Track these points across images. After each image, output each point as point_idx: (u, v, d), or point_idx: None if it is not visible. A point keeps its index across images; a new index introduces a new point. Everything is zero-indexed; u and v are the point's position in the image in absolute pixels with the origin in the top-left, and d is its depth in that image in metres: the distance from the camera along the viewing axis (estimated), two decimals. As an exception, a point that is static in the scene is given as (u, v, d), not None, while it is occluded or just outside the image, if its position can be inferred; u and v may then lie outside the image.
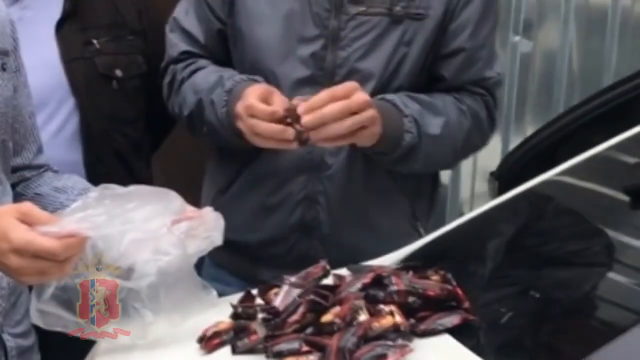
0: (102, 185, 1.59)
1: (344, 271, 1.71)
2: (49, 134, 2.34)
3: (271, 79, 1.96)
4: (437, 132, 1.96)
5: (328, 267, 1.62)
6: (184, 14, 2.08)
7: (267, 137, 1.80)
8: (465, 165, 3.54)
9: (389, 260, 1.79)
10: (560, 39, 3.31)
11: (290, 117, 1.77)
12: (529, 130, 3.31)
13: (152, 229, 1.51)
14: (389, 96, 1.94)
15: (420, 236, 2.05)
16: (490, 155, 3.40)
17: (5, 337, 1.70)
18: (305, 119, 1.75)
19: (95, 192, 1.50)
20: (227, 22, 2.02)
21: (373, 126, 1.83)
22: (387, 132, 1.87)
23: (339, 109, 1.76)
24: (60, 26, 2.41)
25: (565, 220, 2.00)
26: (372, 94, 1.89)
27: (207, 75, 2.01)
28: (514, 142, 3.35)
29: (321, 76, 1.96)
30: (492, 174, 2.95)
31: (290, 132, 1.77)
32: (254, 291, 1.64)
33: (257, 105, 1.80)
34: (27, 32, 2.26)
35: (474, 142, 2.10)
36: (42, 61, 2.33)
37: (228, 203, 2.00)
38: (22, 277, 1.45)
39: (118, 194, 1.52)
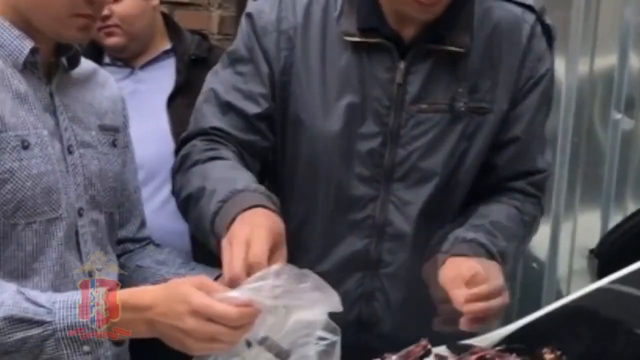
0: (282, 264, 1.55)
1: (442, 349, 1.69)
2: (157, 204, 2.40)
3: (329, 173, 1.92)
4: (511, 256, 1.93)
5: (429, 346, 1.61)
6: (223, 88, 1.94)
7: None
8: (563, 242, 3.49)
9: (484, 341, 1.76)
10: (662, 116, 3.27)
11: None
12: (630, 209, 3.25)
13: (316, 313, 1.50)
14: (490, 247, 1.85)
15: None
16: (590, 232, 3.36)
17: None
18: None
19: (275, 266, 1.48)
20: (272, 107, 1.92)
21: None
22: None
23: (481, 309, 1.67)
24: (172, 100, 2.48)
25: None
26: (434, 192, 1.88)
27: (223, 167, 1.85)
28: (614, 220, 3.29)
29: (379, 174, 1.91)
30: (591, 251, 2.90)
31: None
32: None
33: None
34: (140, 105, 2.35)
35: (530, 239, 2.11)
36: (153, 134, 2.41)
37: None
38: (193, 342, 1.44)
39: (293, 273, 1.49)
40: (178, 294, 1.44)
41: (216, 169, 1.83)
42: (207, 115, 1.95)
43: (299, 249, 1.90)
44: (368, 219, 1.93)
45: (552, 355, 1.55)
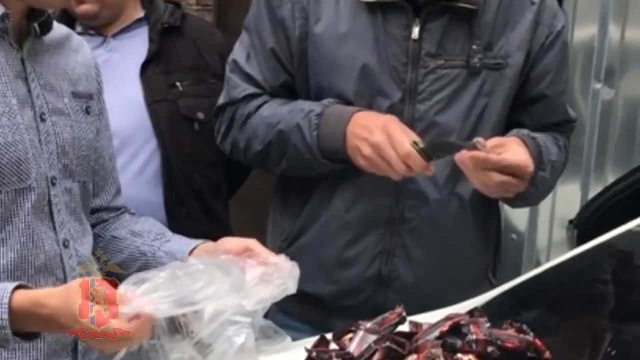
0: (174, 264, 1.61)
1: (420, 318, 1.68)
2: (132, 174, 2.39)
3: None
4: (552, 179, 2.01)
5: (404, 313, 1.60)
6: (245, 59, 2.05)
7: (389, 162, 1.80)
8: (543, 212, 3.50)
9: (464, 309, 1.76)
10: (642, 86, 3.27)
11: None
12: (610, 179, 3.26)
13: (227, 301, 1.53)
14: (540, 139, 1.96)
15: (491, 284, 2.07)
16: (569, 203, 3.36)
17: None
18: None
19: (165, 271, 1.52)
20: (296, 74, 2.01)
21: (512, 193, 1.88)
22: None
23: (495, 185, 1.81)
24: (145, 69, 2.46)
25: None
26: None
27: (278, 107, 1.99)
28: (594, 190, 3.30)
29: None
30: (571, 222, 2.90)
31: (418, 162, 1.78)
32: (329, 336, 1.62)
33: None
34: (113, 74, 2.32)
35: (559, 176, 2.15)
36: (126, 102, 2.39)
37: (299, 253, 1.97)
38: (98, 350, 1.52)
39: (188, 273, 1.53)
40: (72, 314, 1.44)
41: (276, 111, 1.97)
42: (236, 85, 2.06)
43: (318, 203, 2.01)
44: None
45: (512, 329, 1.54)
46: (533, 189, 1.95)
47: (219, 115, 2.11)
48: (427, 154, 1.78)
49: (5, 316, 1.46)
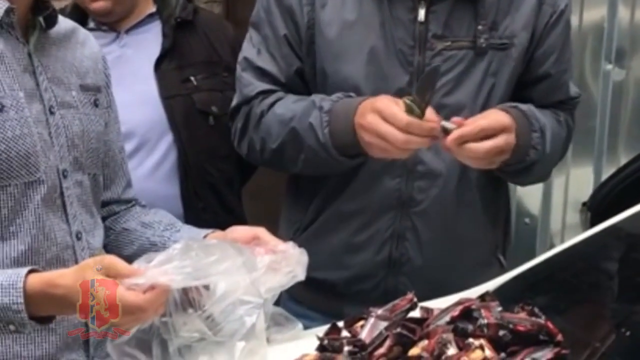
0: (187, 238, 1.62)
1: (431, 303, 1.68)
2: (148, 168, 2.40)
3: None
4: (552, 146, 1.99)
5: (415, 299, 1.60)
6: (256, 54, 2.04)
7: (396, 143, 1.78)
8: (556, 195, 3.49)
9: (475, 293, 1.76)
10: (653, 67, 3.26)
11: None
12: (622, 161, 3.25)
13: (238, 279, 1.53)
14: (522, 106, 1.95)
15: (501, 265, 2.09)
16: (582, 186, 3.35)
17: (96, 367, 1.73)
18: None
19: (179, 243, 1.52)
20: (305, 60, 2.01)
21: (506, 153, 1.85)
22: (517, 144, 1.88)
23: (483, 152, 1.79)
24: (159, 64, 2.47)
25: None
26: None
27: (291, 104, 1.99)
28: (607, 172, 3.29)
29: None
30: (584, 204, 2.89)
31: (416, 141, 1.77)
32: (340, 323, 1.62)
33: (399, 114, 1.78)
34: (127, 70, 2.33)
35: (564, 153, 2.16)
36: (141, 98, 2.40)
37: (309, 241, 1.97)
38: (119, 330, 1.50)
39: (202, 246, 1.54)
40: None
41: (289, 109, 1.96)
42: (249, 83, 2.05)
43: (331, 190, 2.02)
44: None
45: (523, 313, 1.54)
46: (533, 155, 1.94)
47: (234, 117, 2.10)
48: (419, 102, 1.76)
49: (21, 299, 1.47)
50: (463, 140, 1.78)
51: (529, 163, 1.95)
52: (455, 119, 1.80)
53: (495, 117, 1.86)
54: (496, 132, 1.82)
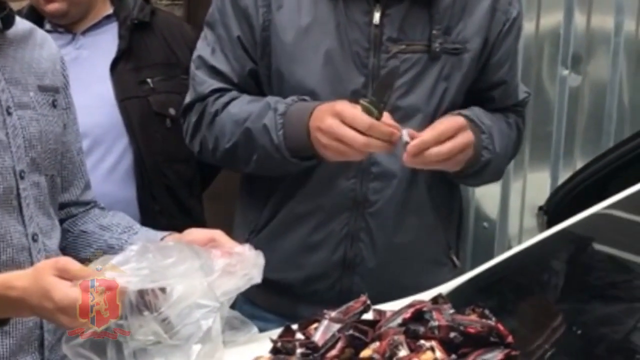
0: (144, 240, 1.63)
1: (384, 306, 1.70)
2: (104, 171, 2.39)
3: None
4: (500, 145, 2.02)
5: (369, 301, 1.62)
6: (210, 53, 2.05)
7: (351, 147, 1.80)
8: (514, 200, 3.52)
9: (428, 296, 1.78)
10: (609, 72, 3.28)
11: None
12: (578, 165, 3.27)
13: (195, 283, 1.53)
14: (464, 111, 1.98)
15: (454, 265, 2.12)
16: (539, 190, 3.38)
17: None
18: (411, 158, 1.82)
19: (136, 245, 1.53)
20: (260, 62, 2.02)
21: (469, 149, 1.90)
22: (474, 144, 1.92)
23: (447, 152, 1.83)
24: (115, 65, 2.46)
25: (611, 254, 1.97)
26: (418, 131, 1.89)
27: (246, 104, 2.00)
28: (563, 176, 3.31)
29: None
30: (540, 208, 2.92)
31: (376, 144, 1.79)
32: (294, 326, 1.63)
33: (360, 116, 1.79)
34: (83, 72, 2.32)
35: (515, 153, 2.20)
36: (97, 100, 2.39)
37: (264, 242, 1.99)
38: (74, 330, 1.49)
39: (159, 248, 1.54)
40: (42, 289, 1.45)
41: (244, 109, 1.97)
42: (202, 81, 2.06)
43: (285, 191, 2.03)
44: None
45: (474, 315, 1.56)
46: (486, 155, 1.99)
47: (186, 114, 2.11)
48: (377, 103, 1.78)
49: None
50: (425, 147, 1.81)
51: (483, 164, 1.99)
52: (411, 131, 1.83)
53: (448, 120, 1.90)
54: (454, 132, 1.86)
